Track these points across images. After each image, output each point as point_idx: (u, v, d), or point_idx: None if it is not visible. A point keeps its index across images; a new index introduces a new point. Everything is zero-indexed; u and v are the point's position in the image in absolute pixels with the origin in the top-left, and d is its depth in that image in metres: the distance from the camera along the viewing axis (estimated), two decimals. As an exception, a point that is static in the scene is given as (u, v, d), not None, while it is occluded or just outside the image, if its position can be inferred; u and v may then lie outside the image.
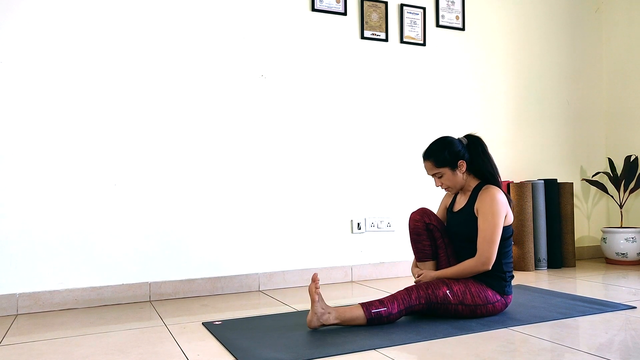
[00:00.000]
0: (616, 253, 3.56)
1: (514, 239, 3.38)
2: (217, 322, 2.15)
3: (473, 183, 2.19)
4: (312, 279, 1.94)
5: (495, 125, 3.63)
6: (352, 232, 3.17)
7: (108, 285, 2.62)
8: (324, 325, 1.96)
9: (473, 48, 3.57)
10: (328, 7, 3.13)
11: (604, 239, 3.63)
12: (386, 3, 3.28)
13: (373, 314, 1.97)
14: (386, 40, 3.29)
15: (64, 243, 2.56)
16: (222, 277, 2.84)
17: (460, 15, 3.50)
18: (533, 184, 3.42)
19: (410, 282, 3.03)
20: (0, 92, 2.48)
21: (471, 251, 2.13)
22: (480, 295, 2.06)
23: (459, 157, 2.14)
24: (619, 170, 3.90)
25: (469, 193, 2.19)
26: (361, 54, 3.23)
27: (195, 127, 2.82)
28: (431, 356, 1.66)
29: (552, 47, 3.86)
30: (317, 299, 1.93)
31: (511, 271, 2.14)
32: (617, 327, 1.95)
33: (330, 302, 2.51)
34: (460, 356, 1.65)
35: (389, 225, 3.26)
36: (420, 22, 3.38)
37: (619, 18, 3.95)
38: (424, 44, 3.39)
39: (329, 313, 1.95)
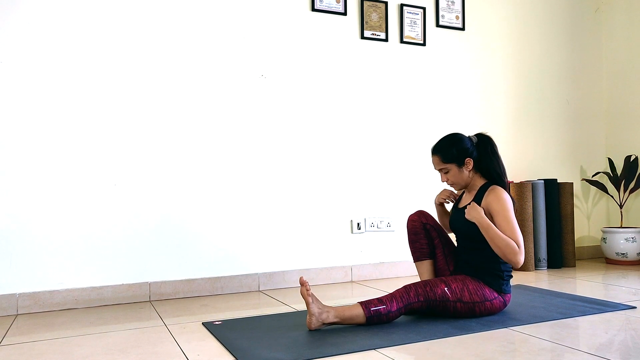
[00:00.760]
0: (616, 253, 3.56)
1: (514, 239, 3.38)
2: (217, 322, 2.15)
3: (479, 182, 2.20)
4: (300, 283, 1.94)
5: (495, 125, 3.63)
6: (352, 232, 3.17)
7: (108, 285, 2.62)
8: (324, 324, 1.96)
9: (473, 48, 3.57)
10: (328, 7, 3.13)
11: (604, 239, 3.63)
12: (386, 3, 3.28)
13: (372, 312, 1.97)
14: (386, 40, 3.29)
15: (64, 243, 2.56)
16: (222, 277, 2.84)
17: (460, 15, 3.50)
18: (533, 184, 3.43)
19: (410, 281, 3.03)
20: (0, 92, 2.48)
21: (471, 250, 2.15)
22: (478, 293, 2.06)
23: (466, 154, 2.15)
24: (619, 170, 3.90)
25: (475, 192, 2.20)
26: (361, 54, 3.23)
27: (195, 127, 2.83)
28: (431, 356, 1.66)
29: (552, 47, 3.86)
30: (311, 301, 1.93)
31: (510, 271, 2.14)
32: (617, 327, 1.95)
33: (330, 302, 2.51)
34: (460, 356, 1.65)
35: (388, 225, 3.26)
36: (420, 22, 3.38)
37: (618, 18, 3.95)
38: (424, 44, 3.39)
39: (327, 312, 1.95)
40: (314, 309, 1.93)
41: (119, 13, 2.69)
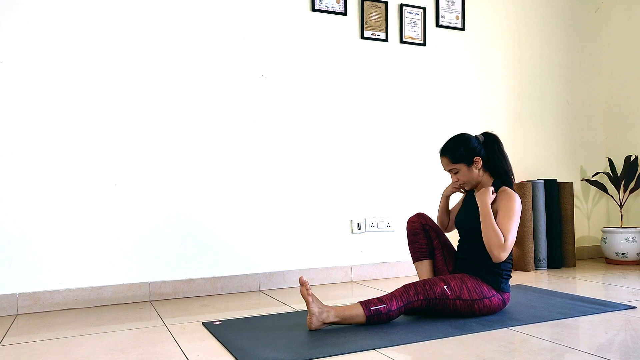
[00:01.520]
0: (616, 253, 3.56)
1: (514, 239, 3.38)
2: (217, 322, 2.15)
3: (488, 181, 2.22)
4: (300, 283, 1.95)
5: (496, 125, 3.63)
6: (352, 232, 3.17)
7: (108, 285, 2.62)
8: (324, 323, 1.96)
9: (473, 48, 3.57)
10: (328, 7, 3.13)
11: (604, 239, 3.63)
12: (386, 3, 3.28)
13: (372, 311, 1.97)
14: (386, 40, 3.29)
15: (64, 243, 2.56)
16: (222, 277, 2.84)
17: (460, 15, 3.50)
18: (533, 184, 3.43)
19: (410, 282, 3.03)
20: (0, 92, 2.48)
21: (472, 247, 2.17)
22: (477, 290, 2.08)
23: (474, 153, 2.17)
24: (619, 170, 3.90)
25: None
26: (361, 54, 3.23)
27: (195, 127, 2.83)
28: (431, 356, 1.66)
29: (552, 47, 3.86)
30: (311, 300, 1.93)
31: (509, 270, 2.15)
32: (617, 327, 1.95)
33: (330, 302, 2.51)
34: (460, 356, 1.65)
35: (388, 225, 3.26)
36: (420, 22, 3.38)
37: (618, 18, 3.95)
38: (424, 44, 3.39)
39: (327, 311, 1.95)
40: (314, 308, 1.93)
41: (119, 13, 2.69)
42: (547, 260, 3.46)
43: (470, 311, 2.08)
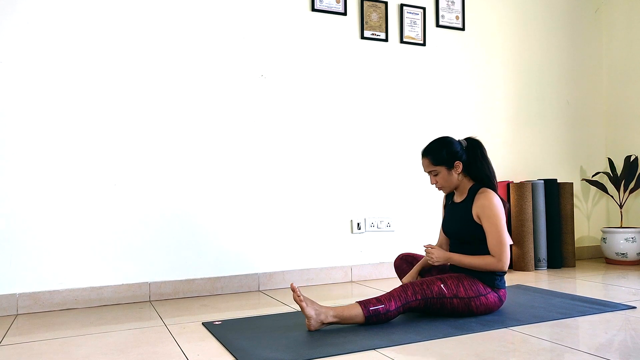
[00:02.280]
0: (616, 253, 3.56)
1: (513, 239, 3.38)
2: (217, 322, 2.15)
3: (468, 184, 2.24)
4: (291, 289, 1.95)
5: (495, 125, 3.63)
6: (352, 232, 3.17)
7: (108, 285, 2.62)
8: (323, 323, 1.97)
9: (473, 48, 3.57)
10: (328, 7, 3.13)
11: (604, 239, 3.63)
12: (386, 3, 3.28)
13: (371, 312, 1.98)
14: (386, 40, 3.29)
15: (64, 243, 2.56)
16: (222, 277, 2.84)
17: (460, 15, 3.50)
18: (533, 184, 3.43)
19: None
20: (0, 92, 2.48)
21: (464, 249, 2.20)
22: (473, 288, 2.09)
23: (456, 157, 2.18)
24: (619, 170, 3.90)
25: (465, 194, 2.23)
26: (361, 54, 3.23)
27: (195, 127, 2.83)
28: (431, 356, 1.66)
29: (552, 48, 3.86)
30: (305, 305, 1.93)
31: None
32: (617, 327, 1.95)
33: (330, 302, 2.51)
34: (460, 356, 1.65)
35: (388, 225, 3.26)
36: (420, 22, 3.38)
37: (618, 18, 3.95)
38: (423, 44, 3.39)
39: (325, 312, 1.96)
40: (310, 312, 1.94)
41: (118, 13, 2.69)
42: (547, 260, 3.46)
43: (468, 309, 2.09)
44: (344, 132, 3.17)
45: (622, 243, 3.54)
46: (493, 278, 2.13)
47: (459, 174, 2.20)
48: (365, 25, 3.22)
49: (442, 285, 2.06)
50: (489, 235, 2.10)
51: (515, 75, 3.72)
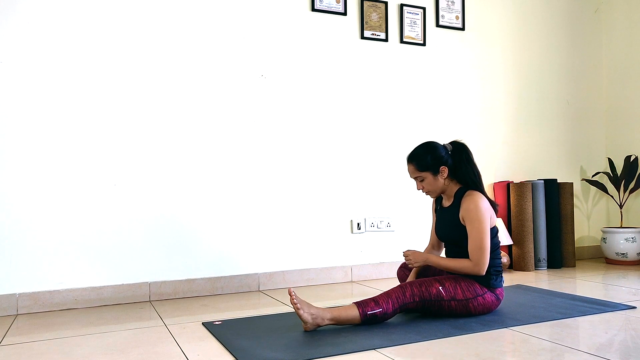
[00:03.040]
0: (616, 253, 3.56)
1: (513, 239, 3.38)
2: (217, 322, 2.15)
3: (455, 188, 2.24)
4: (288, 293, 1.96)
5: (495, 125, 3.63)
6: (352, 232, 3.17)
7: (108, 285, 2.62)
8: (319, 326, 1.97)
9: (473, 48, 3.57)
10: (328, 7, 3.13)
11: (604, 239, 3.63)
12: (386, 3, 3.28)
13: (368, 315, 1.98)
14: (386, 40, 3.29)
15: (64, 243, 2.56)
16: (222, 277, 2.84)
17: (460, 15, 3.50)
18: (533, 184, 3.42)
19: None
20: (0, 92, 2.48)
21: (455, 254, 2.22)
22: (470, 289, 2.10)
23: (441, 162, 2.18)
24: (619, 170, 3.90)
25: (452, 198, 2.23)
26: (361, 54, 3.23)
27: (195, 127, 2.83)
28: (431, 356, 1.66)
29: (552, 47, 3.86)
30: (299, 308, 1.93)
31: (498, 266, 2.17)
32: (617, 327, 1.95)
33: (330, 302, 2.51)
34: (460, 356, 1.65)
35: (388, 225, 3.26)
36: (420, 22, 3.38)
37: (618, 18, 3.95)
38: (423, 44, 3.39)
39: (321, 317, 1.96)
40: (306, 316, 1.93)
41: (119, 13, 2.69)
42: (547, 260, 3.46)
43: (466, 311, 2.09)
44: (344, 132, 3.17)
45: (622, 243, 3.54)
46: (489, 278, 2.14)
47: (445, 178, 2.20)
48: (365, 25, 3.22)
49: (440, 288, 2.06)
50: (469, 238, 2.11)
51: (515, 75, 3.71)
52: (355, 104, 3.21)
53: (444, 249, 2.37)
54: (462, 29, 3.51)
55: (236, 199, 2.90)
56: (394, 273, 3.25)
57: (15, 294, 2.46)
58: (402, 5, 3.32)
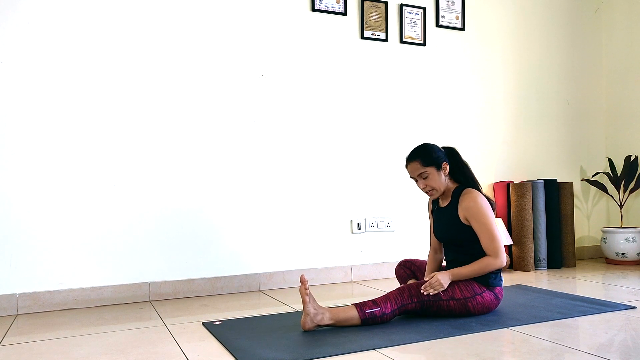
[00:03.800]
0: (616, 253, 3.56)
1: (513, 239, 3.38)
2: (217, 322, 2.15)
3: (452, 187, 2.25)
4: (300, 281, 1.95)
5: (496, 125, 3.63)
6: (352, 232, 3.17)
7: (108, 285, 2.62)
8: (318, 325, 1.97)
9: (473, 48, 3.57)
10: (328, 7, 3.13)
11: (604, 239, 3.63)
12: (386, 3, 3.28)
13: (367, 315, 1.98)
14: (386, 40, 3.29)
15: (64, 243, 2.56)
16: (222, 277, 2.84)
17: (460, 15, 3.50)
18: (533, 184, 3.42)
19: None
20: (0, 92, 2.48)
21: (457, 251, 2.21)
22: (468, 288, 2.10)
23: (442, 159, 2.21)
24: (619, 170, 3.90)
25: (450, 197, 2.24)
26: (361, 54, 3.23)
27: (195, 127, 2.83)
28: (431, 356, 1.66)
29: (552, 47, 3.86)
30: (308, 300, 1.93)
31: None
32: (617, 327, 1.95)
33: (330, 302, 2.51)
34: (460, 356, 1.65)
35: (388, 225, 3.26)
36: (420, 22, 3.38)
37: (618, 18, 3.95)
38: (424, 44, 3.39)
39: (322, 314, 1.96)
40: (310, 309, 1.94)
41: (119, 13, 2.69)
42: (547, 260, 3.46)
43: (465, 310, 2.09)
44: (344, 132, 3.17)
45: (622, 243, 3.54)
46: (487, 276, 2.14)
47: (446, 175, 2.21)
48: (365, 25, 3.22)
49: None
50: (480, 234, 2.11)
51: (515, 75, 3.71)
52: (355, 104, 3.21)
53: (444, 250, 2.36)
54: (462, 29, 3.51)
55: (236, 199, 2.90)
56: (394, 273, 3.25)
57: (15, 294, 2.46)
58: (402, 5, 3.32)
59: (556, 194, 3.50)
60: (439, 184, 2.20)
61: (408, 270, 2.40)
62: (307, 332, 1.95)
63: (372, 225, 3.22)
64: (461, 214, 2.15)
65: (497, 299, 2.16)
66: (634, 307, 2.26)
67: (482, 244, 2.11)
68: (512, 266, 3.43)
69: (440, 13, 3.44)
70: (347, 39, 3.19)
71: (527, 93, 3.76)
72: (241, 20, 2.94)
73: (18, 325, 2.22)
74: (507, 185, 3.48)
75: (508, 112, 3.68)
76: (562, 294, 2.57)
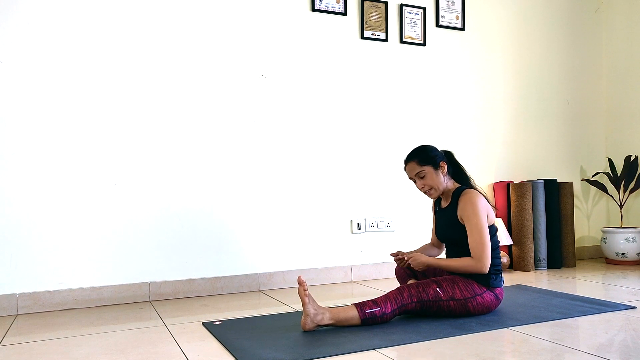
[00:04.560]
0: (616, 253, 3.56)
1: (513, 239, 3.38)
2: (217, 322, 2.15)
3: (453, 188, 2.26)
4: (298, 283, 1.95)
5: (495, 125, 3.63)
6: (352, 232, 3.17)
7: (108, 285, 2.62)
8: (318, 326, 1.97)
9: (473, 48, 3.57)
10: (328, 7, 3.13)
11: (604, 239, 3.63)
12: (386, 3, 3.28)
13: (367, 314, 1.98)
14: (386, 40, 3.29)
15: (64, 243, 2.56)
16: (222, 277, 2.84)
17: (460, 15, 3.50)
18: (533, 184, 3.42)
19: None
20: (0, 92, 2.48)
21: (458, 251, 2.22)
22: (468, 289, 2.10)
23: (440, 158, 2.22)
24: (619, 170, 3.90)
25: (450, 198, 2.25)
26: (361, 54, 3.23)
27: (195, 127, 2.83)
28: (431, 356, 1.66)
29: (552, 47, 3.86)
30: (307, 301, 1.94)
31: (497, 266, 2.17)
32: (617, 327, 1.95)
33: (330, 302, 2.51)
34: (460, 356, 1.65)
35: (388, 225, 3.26)
36: (420, 22, 3.38)
37: (618, 18, 3.95)
38: (424, 44, 3.39)
39: (322, 314, 1.96)
40: (310, 309, 1.94)
41: (119, 13, 2.69)
42: (547, 260, 3.46)
43: (465, 310, 2.09)
44: (344, 132, 3.17)
45: (622, 243, 3.54)
46: (488, 277, 2.14)
47: (445, 175, 2.22)
48: (365, 25, 3.22)
49: (437, 289, 2.07)
50: (469, 235, 2.12)
51: (515, 75, 3.71)
52: (355, 104, 3.21)
53: (445, 249, 2.38)
54: (462, 29, 3.51)
55: (236, 199, 2.90)
56: (394, 273, 3.25)
57: (15, 294, 2.46)
58: (402, 5, 3.32)
59: (556, 194, 3.50)
60: (436, 183, 2.21)
61: (408, 270, 2.40)
62: (307, 332, 1.95)
63: (372, 225, 3.22)
64: (459, 214, 2.16)
65: (498, 300, 2.16)
66: (634, 307, 2.26)
67: (469, 244, 2.12)
68: (512, 266, 3.43)
69: (440, 13, 3.44)
70: (347, 39, 3.19)
71: (527, 93, 3.76)
72: (241, 20, 2.94)
73: (18, 325, 2.22)
74: (507, 185, 3.48)
75: (508, 112, 3.68)
76: (562, 294, 2.57)
